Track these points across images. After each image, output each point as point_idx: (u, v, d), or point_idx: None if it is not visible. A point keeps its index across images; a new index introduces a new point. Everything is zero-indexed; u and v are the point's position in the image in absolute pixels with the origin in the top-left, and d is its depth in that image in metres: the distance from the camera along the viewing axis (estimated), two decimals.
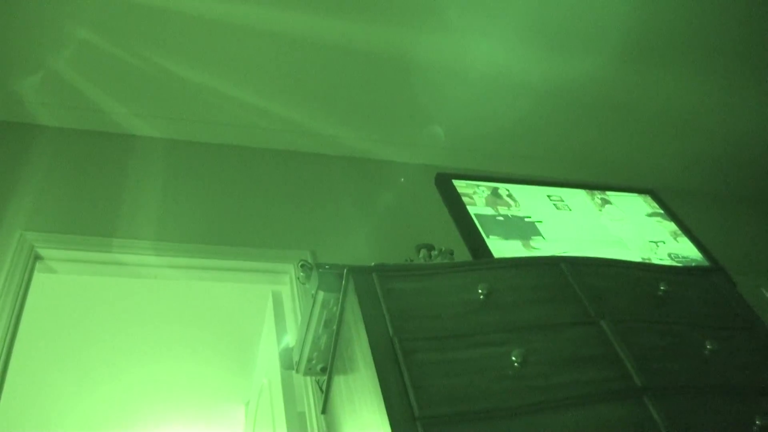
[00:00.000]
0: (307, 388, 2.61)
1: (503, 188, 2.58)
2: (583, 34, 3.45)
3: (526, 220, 2.43)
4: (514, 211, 2.47)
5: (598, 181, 2.94)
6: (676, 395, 1.71)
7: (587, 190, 2.76)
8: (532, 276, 1.97)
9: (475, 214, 2.35)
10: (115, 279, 3.46)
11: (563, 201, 2.63)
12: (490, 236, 2.27)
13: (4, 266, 2.73)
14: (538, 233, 2.39)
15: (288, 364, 2.43)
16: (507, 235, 2.30)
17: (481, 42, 3.41)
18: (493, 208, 2.43)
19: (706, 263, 2.54)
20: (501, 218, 2.38)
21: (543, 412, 1.59)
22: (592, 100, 3.80)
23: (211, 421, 4.67)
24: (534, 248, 2.31)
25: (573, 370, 1.70)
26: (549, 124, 3.88)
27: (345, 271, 1.90)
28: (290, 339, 2.69)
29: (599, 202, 2.71)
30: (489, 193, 2.49)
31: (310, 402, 2.58)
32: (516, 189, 2.62)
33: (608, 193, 2.79)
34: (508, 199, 2.52)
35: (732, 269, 2.49)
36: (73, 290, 3.79)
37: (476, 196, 2.45)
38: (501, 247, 2.24)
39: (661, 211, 2.79)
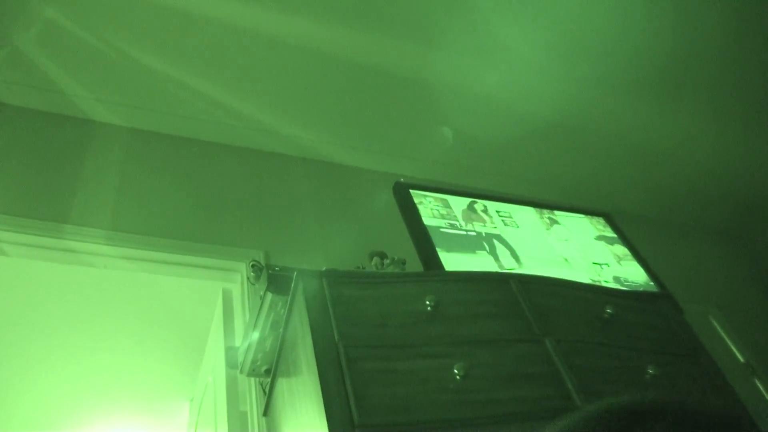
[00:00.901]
0: (250, 388, 2.59)
1: (461, 202, 2.59)
2: (555, 54, 3.50)
3: (471, 234, 2.44)
4: (464, 227, 2.48)
5: (552, 201, 2.97)
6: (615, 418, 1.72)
7: (536, 209, 2.78)
8: (480, 290, 1.98)
9: (428, 225, 2.36)
10: (66, 266, 3.41)
11: (511, 217, 2.65)
12: (438, 248, 2.28)
13: None
14: (483, 248, 2.40)
15: (233, 363, 2.42)
16: (450, 249, 2.30)
17: (458, 60, 3.45)
18: (443, 220, 2.44)
19: (652, 288, 2.57)
20: (448, 230, 2.39)
21: (482, 426, 1.59)
22: (559, 124, 3.85)
23: (156, 417, 4.62)
24: (480, 261, 2.32)
25: (514, 386, 1.71)
26: (514, 144, 3.92)
27: (295, 274, 1.90)
28: (238, 338, 2.67)
29: (547, 221, 2.73)
30: (441, 205, 2.50)
31: (252, 403, 2.56)
32: (470, 203, 2.64)
33: (557, 212, 2.82)
34: (466, 213, 2.53)
35: (680, 296, 2.52)
36: (22, 275, 3.73)
37: (428, 207, 2.46)
38: (446, 259, 2.25)
39: (609, 235, 2.82)
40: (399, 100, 3.62)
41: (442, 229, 2.36)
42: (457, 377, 1.65)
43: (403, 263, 2.19)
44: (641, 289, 2.56)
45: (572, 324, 1.97)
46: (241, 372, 2.28)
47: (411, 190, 2.49)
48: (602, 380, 1.83)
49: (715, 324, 4.09)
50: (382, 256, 2.24)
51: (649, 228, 4.13)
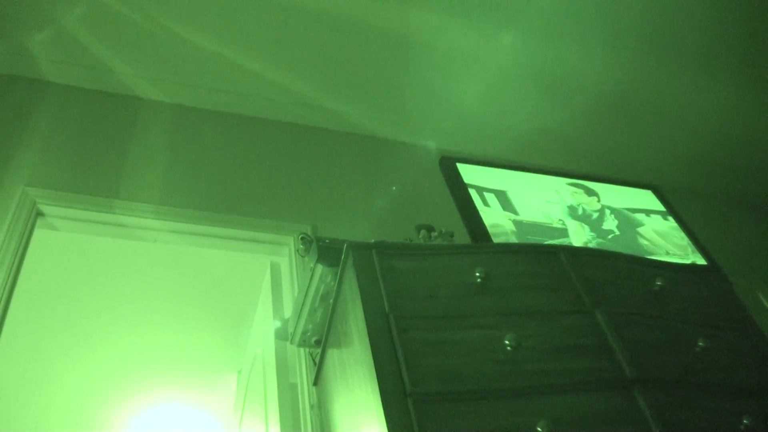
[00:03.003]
0: (300, 359, 2.62)
1: (507, 175, 2.60)
2: (599, 29, 3.45)
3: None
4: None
5: (598, 174, 2.95)
6: (665, 389, 1.72)
7: (582, 182, 2.77)
8: (530, 263, 1.98)
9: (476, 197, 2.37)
10: (115, 241, 3.47)
11: (559, 193, 2.64)
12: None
13: (5, 221, 2.73)
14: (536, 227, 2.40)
15: (283, 335, 2.45)
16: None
17: (497, 33, 3.42)
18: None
19: (699, 262, 2.55)
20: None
21: (532, 396, 1.61)
22: (601, 95, 3.80)
23: (204, 389, 4.69)
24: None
25: (565, 357, 1.71)
26: (557, 118, 3.88)
27: (345, 246, 1.92)
28: (286, 311, 2.71)
29: (592, 194, 2.72)
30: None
31: (302, 373, 2.60)
32: (516, 179, 2.64)
33: (602, 185, 2.80)
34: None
35: (727, 270, 2.50)
36: (72, 250, 3.80)
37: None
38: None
39: (655, 208, 2.80)
40: (442, 73, 3.60)
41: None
42: (508, 348, 1.67)
43: (451, 236, 2.20)
44: (689, 262, 2.54)
45: (622, 296, 1.97)
46: (291, 342, 2.31)
47: (457, 164, 2.50)
48: (652, 352, 1.82)
49: (763, 299, 4.04)
50: (430, 229, 2.24)
51: (695, 202, 4.09)
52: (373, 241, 1.92)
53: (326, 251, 2.04)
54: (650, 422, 1.62)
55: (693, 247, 2.65)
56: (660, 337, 1.89)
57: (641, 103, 3.88)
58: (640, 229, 2.64)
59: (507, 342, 1.67)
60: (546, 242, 2.32)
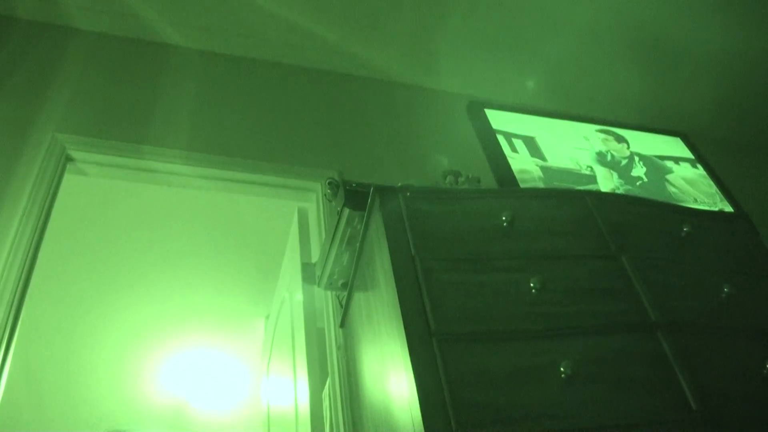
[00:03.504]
0: (327, 302, 2.66)
1: (535, 121, 2.58)
2: None
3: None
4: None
5: (627, 121, 2.92)
6: (689, 333, 1.73)
7: (611, 128, 2.75)
8: (556, 207, 1.98)
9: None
10: (144, 187, 3.51)
11: (588, 140, 2.63)
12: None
13: (35, 166, 2.76)
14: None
15: (310, 278, 2.48)
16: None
17: None
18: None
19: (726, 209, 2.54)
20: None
21: (556, 337, 1.62)
22: (632, 41, 3.74)
23: (232, 334, 4.76)
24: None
25: (589, 300, 1.72)
26: (586, 65, 3.82)
27: (371, 189, 1.93)
28: (313, 255, 2.74)
29: (619, 140, 2.70)
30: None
31: (329, 316, 2.63)
32: (545, 125, 2.62)
33: (630, 132, 2.78)
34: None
35: (756, 219, 2.48)
36: (102, 196, 3.84)
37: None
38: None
39: (683, 155, 2.78)
40: (473, 19, 3.55)
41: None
42: (533, 290, 1.68)
43: (478, 181, 2.20)
44: (716, 210, 2.53)
45: (648, 241, 1.97)
46: (318, 286, 2.34)
47: (486, 110, 2.49)
48: (677, 297, 1.83)
49: None
50: (456, 174, 2.25)
51: (724, 150, 4.03)
52: (399, 184, 1.93)
53: (353, 195, 2.05)
54: (674, 365, 1.63)
55: (721, 195, 2.63)
56: (685, 281, 1.89)
57: (671, 49, 3.81)
58: (668, 177, 2.62)
59: (532, 284, 1.68)
60: (573, 187, 2.32)
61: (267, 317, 4.15)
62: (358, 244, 2.05)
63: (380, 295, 1.81)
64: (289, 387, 2.72)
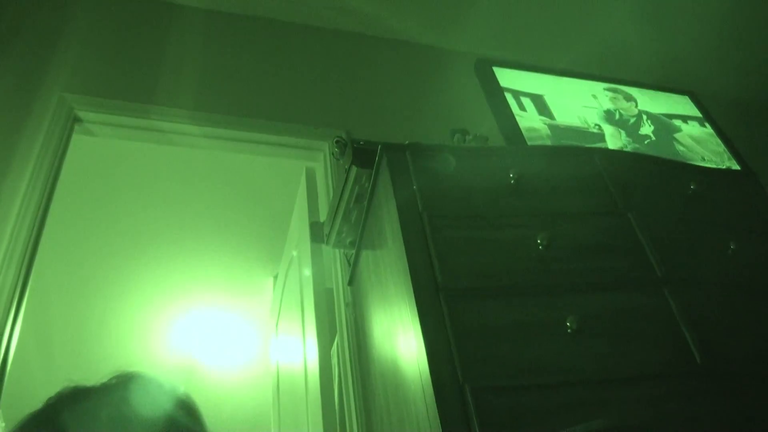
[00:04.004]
0: (335, 260, 2.68)
1: (544, 90, 2.57)
2: None
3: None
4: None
5: (636, 79, 2.90)
6: (695, 289, 1.74)
7: (620, 87, 2.74)
8: (564, 165, 1.99)
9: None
10: (152, 147, 3.51)
11: (596, 98, 2.62)
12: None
13: (43, 127, 2.76)
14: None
15: (318, 237, 2.50)
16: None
17: None
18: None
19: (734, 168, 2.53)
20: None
21: (562, 293, 1.64)
22: None
23: (241, 294, 4.79)
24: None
25: (596, 257, 1.74)
26: (596, 22, 3.78)
27: (379, 147, 1.94)
28: (321, 215, 2.75)
29: (628, 98, 2.69)
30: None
31: (337, 274, 2.65)
32: (553, 83, 2.61)
33: (637, 90, 2.77)
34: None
35: (764, 178, 2.47)
36: (109, 156, 3.85)
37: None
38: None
39: (690, 114, 2.77)
40: None
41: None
42: (540, 247, 1.69)
43: (486, 139, 2.20)
44: (722, 167, 2.53)
45: (655, 199, 1.97)
46: (327, 244, 2.36)
47: (493, 67, 2.47)
48: (684, 253, 1.84)
49: None
50: (464, 132, 2.25)
51: (733, 109, 4.00)
52: (407, 142, 1.93)
53: (361, 153, 2.06)
54: (679, 320, 1.64)
55: (729, 153, 2.62)
56: (692, 239, 1.89)
57: (679, 5, 3.76)
58: (676, 135, 2.61)
59: (539, 241, 1.69)
60: (580, 145, 2.32)
61: (275, 277, 4.18)
62: (365, 202, 2.06)
63: (388, 252, 1.83)
64: (298, 345, 2.76)
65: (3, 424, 4.47)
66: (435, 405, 1.39)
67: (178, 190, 4.06)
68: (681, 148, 2.55)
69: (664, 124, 2.65)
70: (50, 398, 0.97)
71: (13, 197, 2.51)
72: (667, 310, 1.66)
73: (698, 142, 2.63)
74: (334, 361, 2.65)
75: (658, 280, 1.72)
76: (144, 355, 4.93)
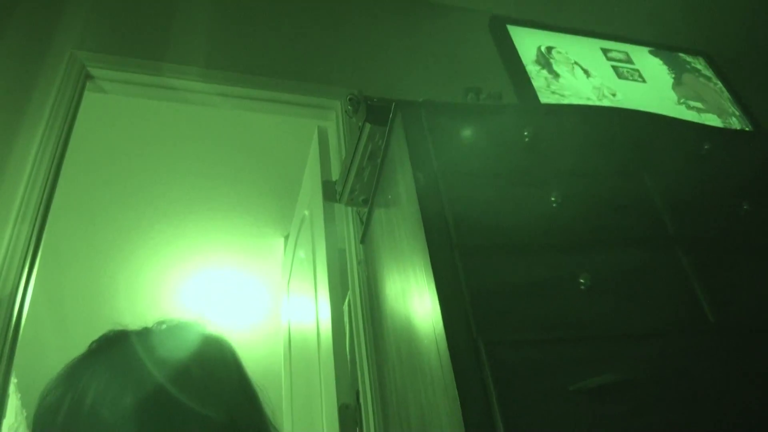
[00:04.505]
0: (347, 219, 2.68)
1: (555, 45, 2.55)
2: None
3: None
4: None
5: (649, 38, 2.87)
6: (707, 248, 1.75)
7: (632, 45, 2.72)
8: (578, 124, 1.98)
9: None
10: (163, 104, 3.51)
11: (609, 57, 2.60)
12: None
13: (55, 84, 2.75)
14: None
15: (330, 195, 2.51)
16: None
17: None
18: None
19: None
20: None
21: (575, 251, 1.65)
22: None
23: (251, 253, 4.81)
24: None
25: (609, 215, 1.74)
26: None
27: (393, 104, 1.93)
28: (334, 174, 2.75)
29: (639, 57, 2.67)
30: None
31: (349, 232, 2.66)
32: (566, 41, 2.60)
33: (654, 49, 2.75)
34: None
35: None
36: (122, 114, 3.84)
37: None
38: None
39: (704, 73, 2.75)
40: None
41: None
42: (554, 205, 1.70)
43: (500, 97, 2.19)
44: (735, 128, 2.52)
45: (670, 158, 1.97)
46: (339, 202, 2.37)
47: (507, 25, 2.46)
48: (697, 213, 1.84)
49: None
50: (478, 91, 2.24)
51: (747, 70, 3.97)
52: (421, 100, 1.93)
53: (374, 110, 2.06)
54: (691, 279, 1.65)
55: (742, 113, 2.61)
56: (705, 198, 1.89)
57: None
58: (690, 95, 2.60)
59: (553, 199, 1.70)
60: (594, 104, 2.31)
61: (286, 237, 4.20)
62: (379, 160, 2.07)
63: (402, 210, 1.83)
64: (309, 304, 2.77)
65: (15, 380, 4.54)
66: (449, 359, 1.41)
67: (189, 147, 4.06)
68: (694, 108, 2.54)
69: (678, 84, 2.63)
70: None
71: (25, 156, 2.51)
72: (679, 269, 1.67)
73: (711, 102, 2.62)
74: (347, 318, 2.67)
75: (671, 239, 1.72)
76: (155, 314, 4.96)
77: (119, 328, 1.00)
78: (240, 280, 4.98)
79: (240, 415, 0.94)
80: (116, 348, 0.95)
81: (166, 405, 0.87)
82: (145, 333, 1.00)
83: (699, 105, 2.56)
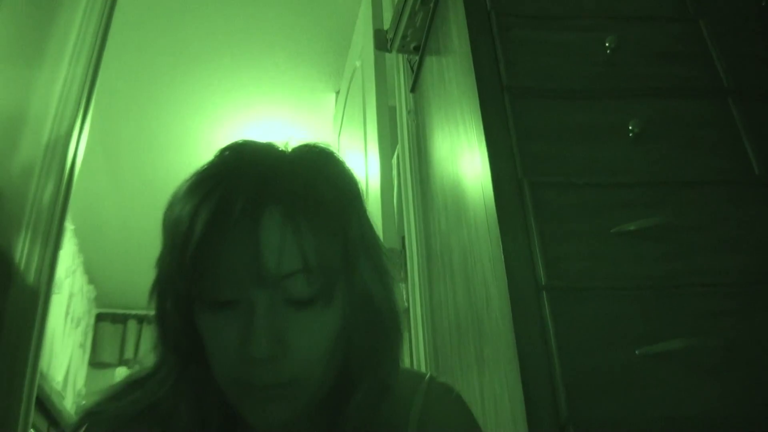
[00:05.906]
0: (398, 67, 2.67)
1: None
2: None
3: None
4: None
5: None
6: (760, 101, 1.72)
7: None
8: None
9: None
10: None
11: None
12: None
13: None
14: None
15: (382, 45, 2.49)
16: None
17: None
18: None
19: None
20: None
21: (626, 98, 1.64)
22: None
23: (302, 109, 4.82)
24: None
25: (663, 63, 1.71)
26: None
27: None
28: (385, 23, 2.72)
29: None
30: None
31: (401, 80, 2.65)
32: None
33: None
34: None
35: None
36: None
37: None
38: None
39: None
40: None
41: None
42: (608, 51, 1.67)
43: None
44: None
45: (728, 8, 1.90)
46: (390, 49, 2.36)
47: None
48: (753, 65, 1.78)
49: None
50: None
51: None
52: None
53: None
54: (741, 131, 1.64)
55: None
56: (763, 50, 1.84)
57: None
58: None
59: (607, 44, 1.67)
60: None
61: (337, 93, 4.19)
62: (432, 3, 2.04)
63: (453, 53, 1.83)
64: (359, 159, 2.81)
65: (72, 227, 4.74)
66: (493, 198, 1.45)
67: (239, 2, 4.02)
68: None
69: None
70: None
71: None
72: (730, 120, 1.65)
73: None
74: (395, 172, 2.71)
75: (724, 89, 1.69)
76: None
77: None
78: (291, 135, 5.00)
79: None
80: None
81: None
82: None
83: None
